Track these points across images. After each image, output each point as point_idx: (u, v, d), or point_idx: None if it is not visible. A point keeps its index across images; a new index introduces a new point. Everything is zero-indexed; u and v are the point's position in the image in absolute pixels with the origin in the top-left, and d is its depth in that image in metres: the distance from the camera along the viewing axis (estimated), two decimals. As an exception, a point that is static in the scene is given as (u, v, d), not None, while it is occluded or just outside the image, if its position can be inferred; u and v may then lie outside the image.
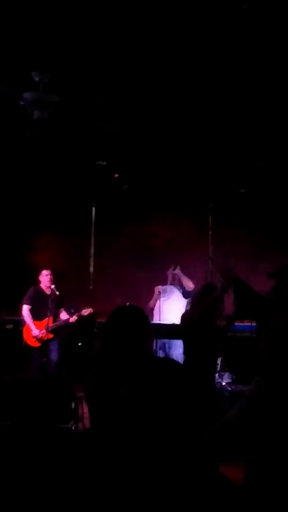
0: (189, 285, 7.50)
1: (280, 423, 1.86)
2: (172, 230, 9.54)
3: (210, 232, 9.39)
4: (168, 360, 1.49)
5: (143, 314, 2.26)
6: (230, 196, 9.49)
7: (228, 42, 6.41)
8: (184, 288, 7.55)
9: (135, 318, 2.20)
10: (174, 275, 7.61)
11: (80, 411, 5.12)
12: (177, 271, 7.61)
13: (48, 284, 7.72)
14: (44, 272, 7.81)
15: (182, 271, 7.74)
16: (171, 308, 7.49)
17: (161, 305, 7.54)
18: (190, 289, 7.47)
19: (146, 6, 5.43)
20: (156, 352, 7.37)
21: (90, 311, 7.50)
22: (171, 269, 7.66)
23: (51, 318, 7.50)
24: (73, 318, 7.58)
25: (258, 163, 8.74)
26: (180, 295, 7.59)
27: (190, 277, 7.92)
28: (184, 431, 1.32)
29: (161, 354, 7.21)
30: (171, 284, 7.67)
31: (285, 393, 1.91)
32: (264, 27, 6.07)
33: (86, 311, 7.52)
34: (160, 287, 7.59)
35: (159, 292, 7.56)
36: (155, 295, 7.58)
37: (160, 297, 7.55)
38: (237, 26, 6.04)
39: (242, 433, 1.94)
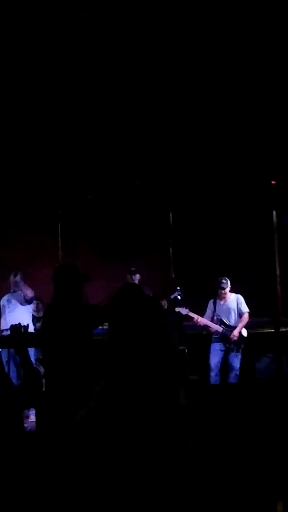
0: (28, 293, 7.59)
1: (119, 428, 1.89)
2: (20, 237, 9.42)
3: (59, 238, 9.40)
4: None
5: None
6: (78, 202, 9.59)
7: (70, 52, 6.58)
8: (24, 296, 7.60)
9: None
10: (15, 282, 7.61)
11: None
12: (18, 278, 7.60)
13: None
14: None
15: (30, 278, 7.76)
16: (16, 318, 7.46)
17: (6, 316, 7.57)
18: (28, 298, 7.60)
19: None
20: (9, 362, 7.30)
21: None
22: (11, 276, 7.66)
23: None
24: None
25: (103, 169, 8.97)
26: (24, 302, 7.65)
27: (40, 284, 7.92)
28: None
29: (11, 364, 7.09)
30: (14, 292, 7.68)
31: (124, 396, 1.93)
32: (100, 34, 6.33)
33: None
34: None
35: None
36: None
37: (6, 308, 7.60)
38: (75, 33, 6.24)
39: (88, 434, 1.96)
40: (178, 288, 7.93)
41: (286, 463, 4.30)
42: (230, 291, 7.89)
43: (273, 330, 8.82)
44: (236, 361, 7.72)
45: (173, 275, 8.87)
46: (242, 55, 6.84)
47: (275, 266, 9.35)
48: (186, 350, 8.28)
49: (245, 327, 7.85)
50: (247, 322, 7.81)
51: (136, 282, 8.04)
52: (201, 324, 7.77)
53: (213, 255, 9.30)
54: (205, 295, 8.22)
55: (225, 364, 7.75)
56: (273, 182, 8.95)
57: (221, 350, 7.77)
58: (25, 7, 5.76)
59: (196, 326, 7.83)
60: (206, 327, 7.84)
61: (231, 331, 7.73)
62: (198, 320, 7.71)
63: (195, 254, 9.59)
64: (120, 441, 1.84)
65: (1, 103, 7.43)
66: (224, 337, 7.75)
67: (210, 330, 7.84)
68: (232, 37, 6.41)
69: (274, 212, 9.27)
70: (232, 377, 7.68)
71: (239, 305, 7.83)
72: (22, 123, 7.94)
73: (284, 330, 8.42)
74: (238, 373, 7.70)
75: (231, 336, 7.66)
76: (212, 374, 7.70)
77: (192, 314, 7.66)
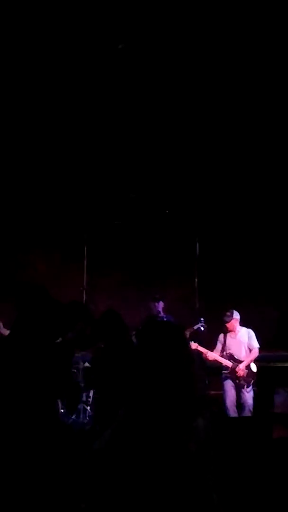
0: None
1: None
2: (45, 260, 9.50)
3: (85, 262, 9.45)
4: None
5: None
6: (105, 227, 9.68)
7: (108, 80, 6.75)
8: None
9: None
10: None
11: None
12: None
13: None
14: None
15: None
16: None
17: None
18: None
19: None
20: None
21: None
22: None
23: None
24: None
25: (132, 195, 9.07)
26: None
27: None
28: None
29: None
30: None
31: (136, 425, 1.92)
32: (138, 65, 6.50)
33: None
34: None
35: None
36: None
37: None
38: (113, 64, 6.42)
39: (103, 467, 1.95)
40: (202, 319, 7.86)
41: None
42: (242, 325, 7.63)
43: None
44: (247, 397, 7.46)
45: (197, 305, 8.80)
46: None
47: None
48: (207, 381, 8.17)
49: (262, 360, 7.70)
50: (256, 357, 7.55)
51: (160, 309, 7.99)
52: (210, 359, 7.51)
53: (238, 286, 9.27)
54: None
55: (237, 401, 7.46)
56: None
57: (233, 387, 7.50)
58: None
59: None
60: (215, 362, 7.58)
61: (240, 366, 7.50)
62: (208, 355, 7.47)
63: (220, 285, 9.58)
64: (137, 473, 1.83)
65: (30, 131, 7.59)
66: (233, 373, 7.48)
67: (219, 365, 7.57)
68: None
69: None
70: (246, 413, 7.41)
71: (250, 340, 7.57)
72: (50, 148, 8.08)
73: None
74: (251, 408, 7.45)
75: (237, 370, 7.43)
76: (230, 412, 7.42)
77: (201, 349, 7.42)
